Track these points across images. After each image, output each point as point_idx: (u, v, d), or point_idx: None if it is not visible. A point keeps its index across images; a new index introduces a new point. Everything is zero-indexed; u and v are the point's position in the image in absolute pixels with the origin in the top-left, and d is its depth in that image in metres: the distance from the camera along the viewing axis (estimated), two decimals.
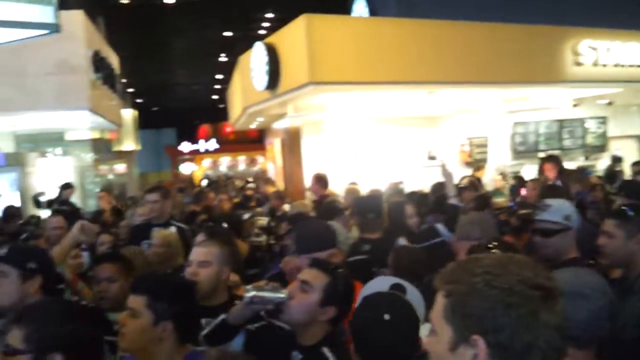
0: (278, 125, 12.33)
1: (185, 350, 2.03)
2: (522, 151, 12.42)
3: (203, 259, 2.64)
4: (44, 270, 2.39)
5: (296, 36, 8.57)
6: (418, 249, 3.38)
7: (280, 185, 12.57)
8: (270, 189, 10.79)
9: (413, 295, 2.25)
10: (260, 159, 26.35)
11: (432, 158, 5.32)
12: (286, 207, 8.70)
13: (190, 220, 6.25)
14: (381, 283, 2.35)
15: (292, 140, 10.85)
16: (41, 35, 4.58)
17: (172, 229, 4.61)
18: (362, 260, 3.62)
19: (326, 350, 2.09)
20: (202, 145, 29.93)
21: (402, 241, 3.61)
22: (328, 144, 11.02)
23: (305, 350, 2.15)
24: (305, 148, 10.74)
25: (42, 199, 9.36)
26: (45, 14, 4.17)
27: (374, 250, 3.66)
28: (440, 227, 3.78)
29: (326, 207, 5.07)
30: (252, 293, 2.19)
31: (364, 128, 11.19)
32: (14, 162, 10.10)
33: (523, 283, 1.08)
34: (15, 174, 9.95)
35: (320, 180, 7.14)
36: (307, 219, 4.41)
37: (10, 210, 7.32)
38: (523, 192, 7.49)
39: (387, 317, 1.86)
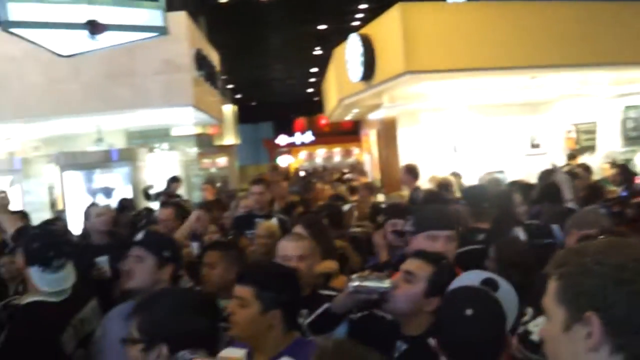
0: (373, 116, 12.29)
1: (293, 337, 2.08)
2: (635, 137, 11.57)
3: (301, 252, 2.69)
4: (176, 259, 2.51)
5: (391, 25, 8.49)
6: (526, 245, 3.24)
7: (377, 176, 12.54)
8: (362, 180, 10.81)
9: (506, 292, 2.12)
10: (355, 150, 26.42)
11: (553, 167, 5.04)
12: (379, 198, 8.71)
13: (289, 212, 6.38)
14: (472, 277, 2.27)
15: (387, 131, 10.78)
16: (150, 37, 4.86)
17: (274, 221, 4.74)
18: (477, 250, 3.51)
19: (432, 341, 2.07)
20: (298, 137, 30.48)
21: (518, 232, 3.45)
22: (425, 134, 10.83)
23: (411, 340, 2.14)
24: (402, 139, 10.64)
25: (152, 191, 9.90)
26: (154, 17, 4.41)
27: (488, 240, 3.56)
28: (555, 228, 3.60)
29: (429, 197, 5.00)
30: (356, 282, 2.20)
31: (462, 117, 10.90)
32: (126, 157, 10.75)
33: (636, 261, 1.07)
34: (128, 168, 10.58)
35: (411, 172, 7.05)
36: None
37: (124, 203, 7.80)
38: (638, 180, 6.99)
39: (469, 312, 1.78)
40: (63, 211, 9.83)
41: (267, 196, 5.12)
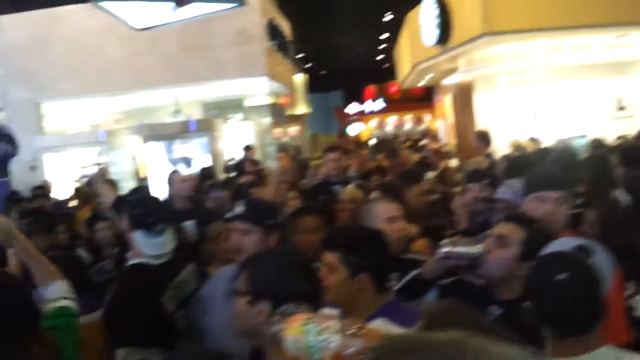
0: (449, 81, 11.99)
1: (386, 300, 2.09)
2: None
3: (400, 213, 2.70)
4: (279, 225, 2.56)
5: None
6: (628, 210, 3.08)
7: (452, 143, 12.30)
8: (434, 146, 10.64)
9: (601, 259, 2.02)
10: (427, 117, 25.93)
11: None
12: (451, 163, 8.53)
13: (368, 178, 6.37)
14: (566, 243, 2.18)
15: (463, 96, 10.51)
16: (229, 9, 4.92)
17: (351, 187, 4.75)
18: (577, 214, 3.38)
19: (527, 306, 2.04)
20: (368, 106, 30.22)
21: (618, 195, 3.30)
22: (503, 98, 10.47)
23: (505, 305, 2.11)
24: (479, 104, 10.35)
25: (231, 164, 10.12)
26: None
27: (585, 204, 3.42)
28: None
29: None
30: (447, 248, 2.19)
31: (542, 80, 10.45)
32: (204, 128, 11.04)
33: None
34: (205, 138, 10.87)
35: (483, 138, 6.85)
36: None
37: (206, 172, 8.01)
38: None
39: (560, 277, 1.71)
40: (146, 180, 10.24)
41: (343, 163, 5.14)
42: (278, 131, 16.39)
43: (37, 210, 5.08)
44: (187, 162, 10.70)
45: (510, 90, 10.48)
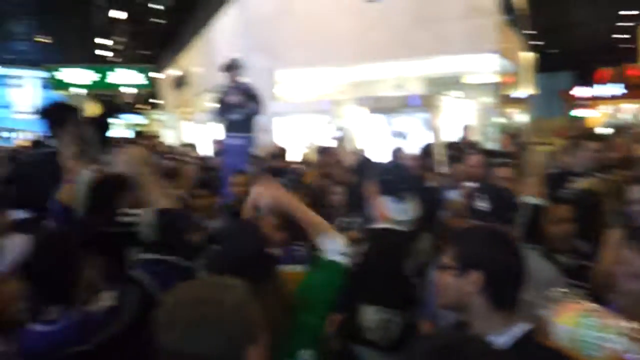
0: None
1: None
2: None
3: None
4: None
5: None
6: None
7: None
8: None
9: None
10: None
11: None
12: None
13: (605, 171, 5.74)
14: None
15: None
16: None
17: (591, 180, 4.30)
18: None
19: None
20: (599, 89, 27.38)
21: None
22: None
23: None
24: None
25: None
26: None
27: None
28: None
29: None
30: None
31: None
32: (425, 103, 10.97)
33: None
34: (426, 114, 10.79)
35: None
36: None
37: (427, 149, 7.83)
38: None
39: None
40: (363, 151, 10.54)
41: (600, 155, 4.62)
42: (500, 111, 15.66)
43: (282, 169, 5.48)
44: (404, 136, 10.76)
45: None
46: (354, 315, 2.40)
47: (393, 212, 2.50)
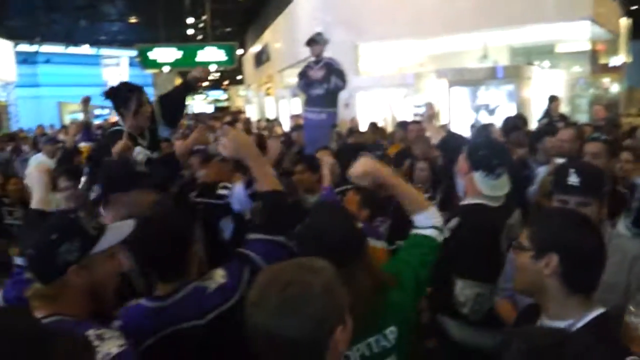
0: None
1: None
2: None
3: None
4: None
5: None
6: None
7: None
8: None
9: None
10: None
11: None
12: None
13: None
14: None
15: None
16: None
17: None
18: None
19: None
20: None
21: None
22: None
23: None
24: None
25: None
26: None
27: None
28: None
29: None
30: None
31: None
32: (511, 74, 10.59)
33: None
34: (512, 86, 10.43)
35: None
36: None
37: (510, 122, 7.57)
38: None
39: None
40: (448, 126, 10.34)
41: None
42: (591, 81, 14.87)
43: (363, 145, 5.52)
44: (490, 110, 10.48)
45: None
46: (445, 288, 2.43)
47: (485, 187, 2.49)
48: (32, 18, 22.21)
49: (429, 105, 3.58)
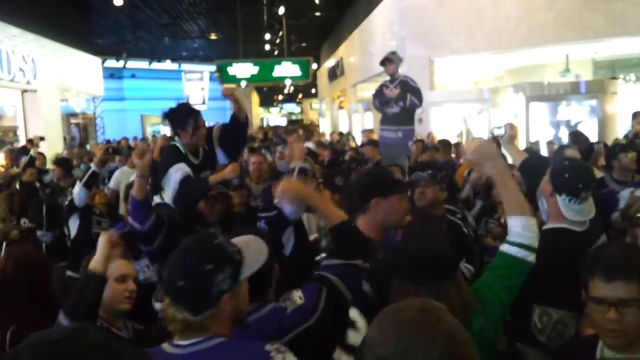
0: None
1: None
2: None
3: None
4: None
5: None
6: None
7: None
8: None
9: None
10: None
11: None
12: None
13: None
14: None
15: None
16: None
17: None
18: None
19: None
20: None
21: None
22: None
23: None
24: None
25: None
26: None
27: None
28: None
29: None
30: None
31: None
32: (594, 89, 10.19)
33: None
34: (595, 100, 10.03)
35: None
36: None
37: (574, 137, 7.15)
38: None
39: None
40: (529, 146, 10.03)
41: None
42: None
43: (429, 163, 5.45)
44: (571, 126, 10.11)
45: None
46: (525, 315, 2.37)
47: (569, 212, 2.41)
48: (119, 36, 23.46)
49: (509, 126, 3.49)
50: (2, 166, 10.05)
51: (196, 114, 3.75)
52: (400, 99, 6.28)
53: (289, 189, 2.08)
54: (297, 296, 1.91)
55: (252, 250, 1.70)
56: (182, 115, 3.70)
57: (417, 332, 1.08)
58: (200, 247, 1.58)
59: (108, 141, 16.98)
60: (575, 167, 2.51)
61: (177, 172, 3.51)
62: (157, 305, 2.77)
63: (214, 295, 1.52)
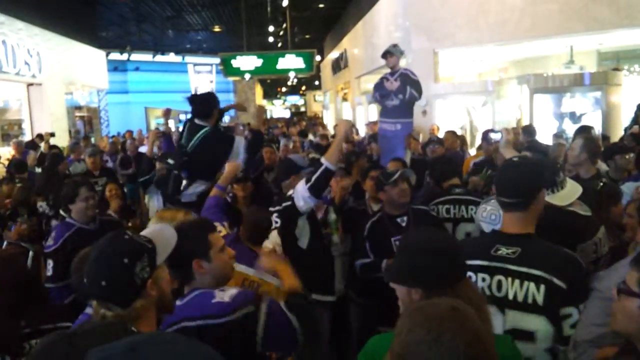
0: None
1: None
2: None
3: None
4: None
5: None
6: None
7: None
8: None
9: None
10: None
11: None
12: None
13: None
14: None
15: None
16: None
17: None
18: None
19: None
20: None
21: None
22: None
23: None
24: None
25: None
26: None
27: None
28: None
29: None
30: None
31: None
32: (598, 80, 10.14)
33: None
34: (599, 92, 9.99)
35: None
36: None
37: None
38: None
39: None
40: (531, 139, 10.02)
41: None
42: None
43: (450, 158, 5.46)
44: (576, 118, 10.08)
45: None
46: None
47: (557, 200, 2.45)
48: (123, 28, 23.46)
49: (506, 131, 3.50)
50: (8, 159, 10.08)
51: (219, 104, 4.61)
52: (400, 92, 6.28)
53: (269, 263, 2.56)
54: (230, 294, 1.98)
55: (162, 237, 1.79)
56: (210, 103, 4.51)
57: (447, 326, 1.15)
58: (112, 245, 1.66)
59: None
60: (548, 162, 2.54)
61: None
62: None
63: (139, 285, 1.62)
